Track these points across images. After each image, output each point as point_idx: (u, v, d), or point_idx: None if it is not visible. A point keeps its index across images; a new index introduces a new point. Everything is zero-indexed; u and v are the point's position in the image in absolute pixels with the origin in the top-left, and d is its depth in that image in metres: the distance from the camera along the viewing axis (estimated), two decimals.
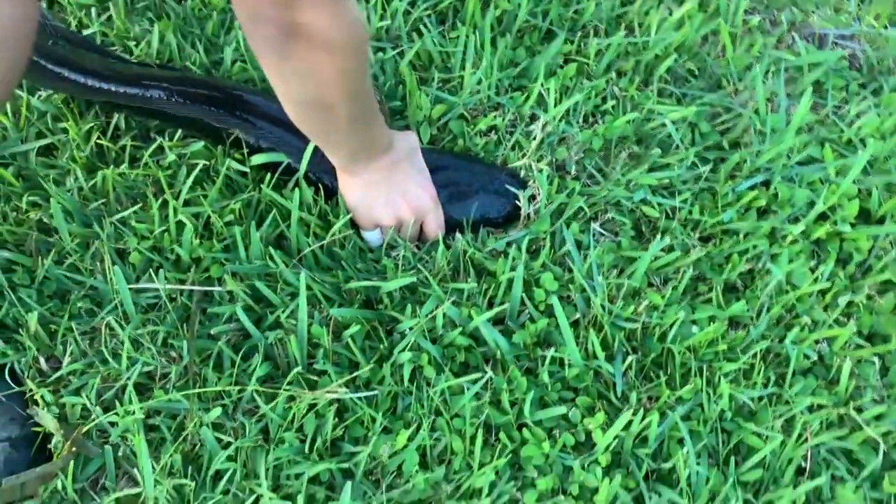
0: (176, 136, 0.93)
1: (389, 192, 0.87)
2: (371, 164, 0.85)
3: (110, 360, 0.82)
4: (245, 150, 0.90)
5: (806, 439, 0.82)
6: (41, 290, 0.85)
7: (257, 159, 0.90)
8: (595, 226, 0.94)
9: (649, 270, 0.90)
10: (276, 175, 0.90)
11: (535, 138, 0.97)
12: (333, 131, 0.79)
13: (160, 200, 0.88)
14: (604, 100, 1.03)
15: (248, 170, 0.91)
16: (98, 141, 0.93)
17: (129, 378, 0.80)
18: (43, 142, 0.92)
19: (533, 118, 1.01)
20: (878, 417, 0.85)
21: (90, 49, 0.94)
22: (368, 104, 0.78)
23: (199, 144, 0.92)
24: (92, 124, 0.93)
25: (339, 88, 0.71)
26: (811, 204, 0.95)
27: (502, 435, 0.80)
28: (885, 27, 1.15)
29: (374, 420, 0.80)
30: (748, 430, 0.83)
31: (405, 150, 0.88)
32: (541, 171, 0.94)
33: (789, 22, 1.15)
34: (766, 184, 0.98)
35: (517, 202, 0.92)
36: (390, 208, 0.88)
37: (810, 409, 0.85)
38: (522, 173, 0.96)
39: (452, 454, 0.80)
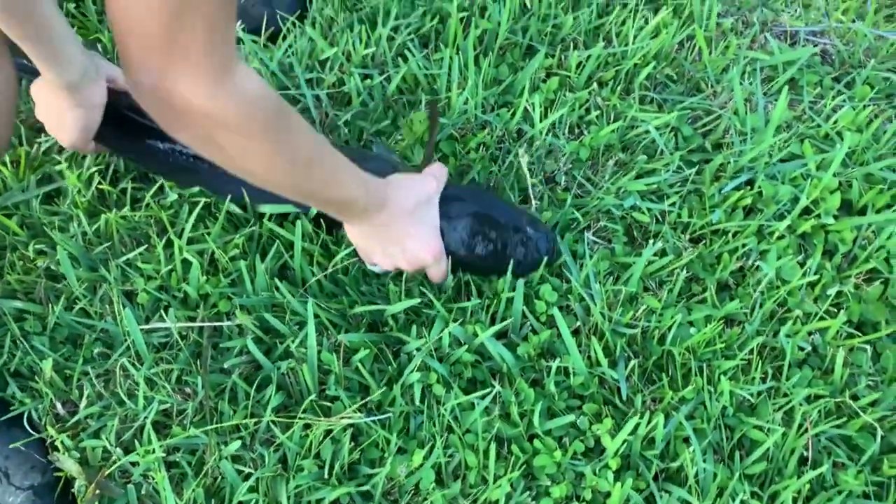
0: None
1: (386, 245, 0.86)
2: (360, 219, 0.83)
3: (126, 400, 0.83)
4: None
5: (806, 429, 0.85)
6: (53, 337, 0.87)
7: (266, 209, 0.91)
8: (588, 235, 0.97)
9: (644, 275, 0.93)
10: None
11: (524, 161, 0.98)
12: (278, 193, 0.74)
13: (164, 240, 0.90)
14: (587, 111, 1.05)
15: (248, 205, 0.93)
16: (99, 185, 0.94)
17: (146, 417, 0.82)
18: (44, 189, 0.94)
19: (520, 133, 1.03)
20: (874, 403, 0.88)
21: None
22: (307, 173, 0.71)
23: None
24: (92, 170, 0.95)
25: (248, 163, 0.65)
26: (795, 199, 0.99)
27: (514, 447, 0.83)
28: (854, 21, 1.19)
29: (388, 442, 0.82)
30: (750, 424, 0.86)
31: (409, 204, 0.84)
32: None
33: (761, 22, 1.18)
34: (751, 182, 1.01)
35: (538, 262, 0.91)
36: (387, 258, 0.87)
37: (808, 399, 0.88)
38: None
39: (467, 469, 0.82)
